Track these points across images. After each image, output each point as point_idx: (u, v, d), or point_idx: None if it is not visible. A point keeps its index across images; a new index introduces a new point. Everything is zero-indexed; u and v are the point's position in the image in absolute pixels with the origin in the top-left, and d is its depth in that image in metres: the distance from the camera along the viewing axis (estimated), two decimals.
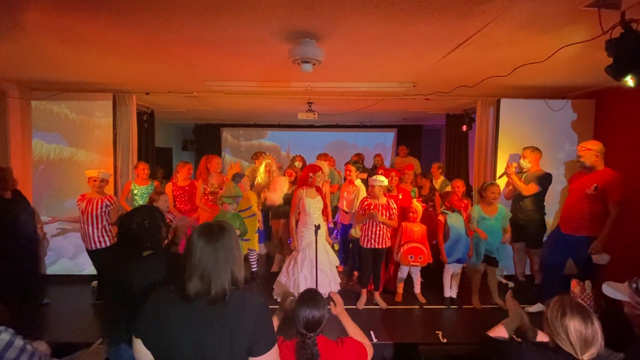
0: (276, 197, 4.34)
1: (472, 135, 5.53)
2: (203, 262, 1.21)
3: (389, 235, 3.74)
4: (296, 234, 3.70)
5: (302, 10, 2.16)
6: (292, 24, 2.38)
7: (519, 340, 1.71)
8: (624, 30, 1.90)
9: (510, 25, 2.39)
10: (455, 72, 3.64)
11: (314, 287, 3.45)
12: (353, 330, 1.79)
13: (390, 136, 9.27)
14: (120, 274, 1.74)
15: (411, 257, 3.74)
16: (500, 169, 4.58)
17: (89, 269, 4.19)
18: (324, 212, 3.74)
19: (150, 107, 5.87)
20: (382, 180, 3.62)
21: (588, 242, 3.25)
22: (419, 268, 3.92)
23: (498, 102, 4.59)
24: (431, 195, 4.75)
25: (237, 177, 4.15)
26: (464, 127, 5.87)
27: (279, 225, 4.58)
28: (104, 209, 3.68)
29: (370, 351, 1.67)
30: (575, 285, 3.00)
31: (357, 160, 5.68)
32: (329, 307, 1.75)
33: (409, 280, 4.08)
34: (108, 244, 3.72)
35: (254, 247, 4.52)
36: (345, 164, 4.61)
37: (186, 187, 4.35)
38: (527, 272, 4.44)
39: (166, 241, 1.92)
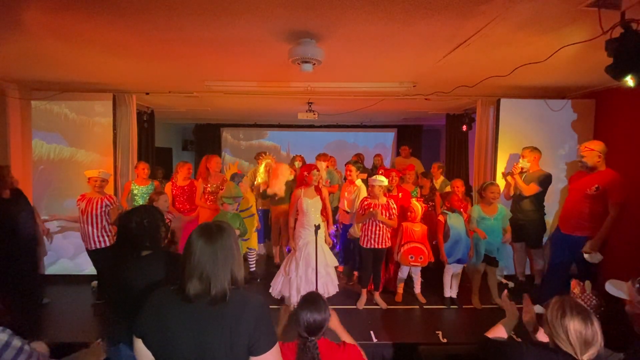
0: (277, 184, 4.32)
1: (472, 135, 5.53)
2: (202, 262, 1.21)
3: (389, 236, 3.74)
4: (294, 234, 3.70)
5: (302, 10, 2.16)
6: (292, 24, 2.38)
7: (519, 340, 1.71)
8: (624, 30, 1.90)
9: (510, 25, 2.39)
10: (455, 72, 3.64)
11: (309, 287, 3.46)
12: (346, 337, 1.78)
13: (390, 136, 9.27)
14: (119, 273, 1.74)
15: (411, 257, 3.74)
16: (500, 169, 4.58)
17: (89, 269, 4.19)
18: (323, 212, 3.72)
19: (150, 107, 5.87)
20: (382, 180, 3.62)
21: (586, 242, 3.25)
22: (420, 268, 3.92)
23: (498, 102, 4.59)
24: (432, 195, 4.75)
25: (236, 177, 4.15)
26: (464, 127, 5.87)
27: (279, 211, 4.57)
28: (103, 209, 3.68)
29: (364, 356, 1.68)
30: (575, 286, 3.00)
31: (357, 160, 5.68)
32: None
33: (409, 280, 4.08)
34: (108, 243, 3.72)
35: (253, 246, 4.52)
36: (345, 164, 4.61)
37: (185, 187, 4.35)
38: (527, 272, 4.44)
39: (165, 241, 1.92)
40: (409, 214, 3.93)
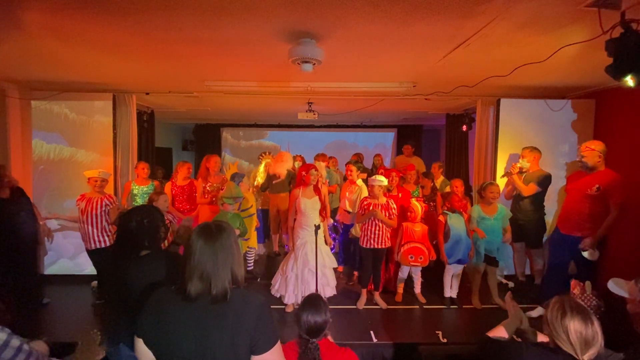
0: (279, 168, 4.32)
1: (472, 135, 5.53)
2: (202, 262, 1.21)
3: (389, 236, 3.74)
4: (292, 233, 3.70)
5: (302, 10, 2.16)
6: (292, 24, 2.38)
7: (519, 340, 1.71)
8: (624, 30, 1.89)
9: (510, 25, 2.39)
10: (455, 72, 3.64)
11: (304, 287, 3.46)
12: None
13: (390, 136, 9.27)
14: (118, 273, 1.74)
15: (411, 257, 3.74)
16: (500, 169, 4.58)
17: (89, 269, 4.20)
18: (322, 212, 3.72)
19: (150, 107, 5.87)
20: (381, 180, 3.62)
21: (599, 253, 3.25)
22: (420, 268, 3.92)
23: (498, 102, 4.59)
24: (433, 196, 4.75)
25: (237, 177, 4.15)
26: (464, 127, 5.87)
27: (277, 200, 4.57)
28: (103, 209, 3.68)
29: None
30: (575, 286, 3.00)
31: (358, 160, 5.68)
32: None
33: (409, 280, 4.08)
34: (108, 243, 3.72)
35: (253, 245, 4.53)
36: (346, 164, 4.61)
37: (185, 187, 4.35)
38: (527, 272, 4.44)
39: (166, 242, 1.92)
40: (409, 214, 3.93)
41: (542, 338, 1.68)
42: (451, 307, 3.85)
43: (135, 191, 4.35)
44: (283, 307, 3.60)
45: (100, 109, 4.61)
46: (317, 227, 3.29)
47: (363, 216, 3.69)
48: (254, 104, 5.81)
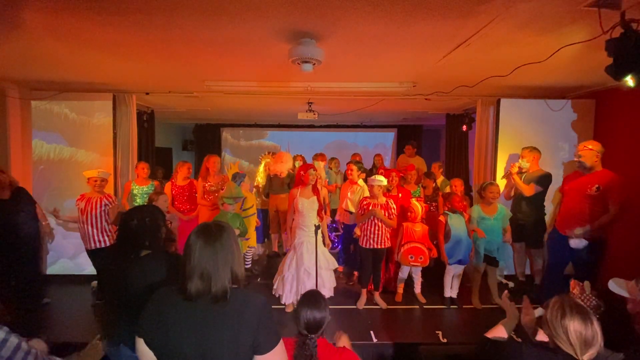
0: (281, 167, 4.33)
1: (472, 135, 5.53)
2: (202, 261, 1.21)
3: (389, 236, 3.74)
4: (290, 233, 3.70)
5: (302, 10, 2.16)
6: (292, 24, 2.38)
7: (519, 340, 1.71)
8: (624, 30, 1.89)
9: (510, 25, 2.39)
10: (455, 72, 3.64)
11: (300, 286, 3.45)
12: None
13: (390, 136, 9.27)
14: (119, 273, 1.74)
15: (411, 257, 3.74)
16: (500, 169, 4.58)
17: (89, 269, 4.19)
18: (320, 213, 3.71)
19: (150, 107, 5.87)
20: (380, 180, 3.62)
21: (587, 243, 3.25)
22: (420, 268, 3.92)
23: (498, 102, 4.59)
24: (434, 196, 4.74)
25: (238, 177, 4.15)
26: (464, 127, 5.87)
27: (277, 200, 4.57)
28: (103, 209, 3.68)
29: None
30: (574, 286, 3.00)
31: (359, 160, 5.68)
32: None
33: (409, 280, 4.08)
34: (107, 243, 3.72)
35: (252, 244, 4.53)
36: (347, 164, 4.60)
37: (185, 187, 4.35)
38: (527, 272, 4.44)
39: (166, 242, 1.92)
40: (409, 213, 3.93)
41: (542, 337, 1.68)
42: (451, 307, 3.85)
43: (135, 191, 4.35)
44: (283, 307, 3.60)
45: (100, 109, 4.60)
46: (317, 227, 3.29)
47: (363, 216, 3.69)
48: (254, 104, 5.81)
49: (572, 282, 3.04)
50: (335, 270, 3.83)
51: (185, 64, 3.44)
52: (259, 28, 2.47)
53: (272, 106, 6.13)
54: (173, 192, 4.32)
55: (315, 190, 3.66)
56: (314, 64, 2.66)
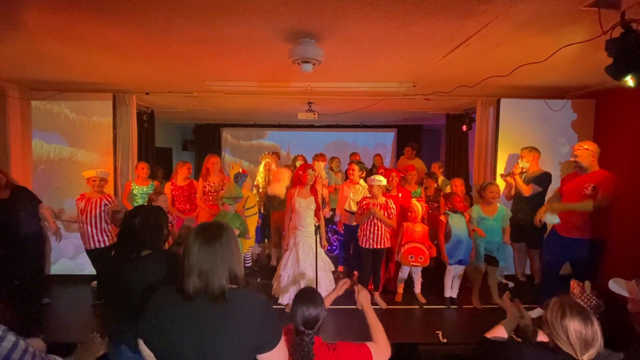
0: (278, 187, 4.32)
1: (472, 135, 5.53)
2: (200, 260, 1.21)
3: (388, 236, 3.74)
4: (287, 233, 3.70)
5: (302, 10, 2.16)
6: (292, 24, 2.38)
7: (519, 340, 1.71)
8: (624, 30, 1.89)
9: (510, 25, 2.39)
10: (455, 72, 3.64)
11: (295, 287, 3.45)
12: (373, 322, 1.70)
13: (390, 136, 9.27)
14: (119, 274, 1.74)
15: (411, 257, 3.74)
16: (500, 169, 4.58)
17: (89, 269, 4.19)
18: (317, 214, 3.69)
19: (150, 107, 5.87)
20: (380, 179, 3.62)
21: (586, 243, 3.25)
22: (420, 268, 3.92)
23: (498, 102, 4.59)
24: (436, 196, 4.74)
25: (240, 177, 4.15)
26: (464, 127, 5.88)
27: (279, 217, 4.55)
28: (103, 208, 3.68)
29: (378, 353, 1.56)
30: (575, 286, 3.01)
31: (360, 160, 5.67)
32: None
33: (409, 280, 4.08)
34: (107, 243, 3.72)
35: (251, 243, 4.53)
36: (349, 164, 4.59)
37: (185, 187, 4.35)
38: (527, 272, 4.44)
39: (167, 244, 1.92)
40: (409, 214, 3.93)
41: (542, 338, 1.68)
42: (451, 307, 3.85)
43: (135, 191, 4.35)
44: (283, 307, 3.60)
45: (100, 109, 4.61)
46: (317, 228, 3.28)
47: (362, 216, 3.69)
48: (254, 104, 5.81)
49: (573, 282, 3.04)
50: (336, 270, 3.83)
51: (185, 64, 3.44)
52: (259, 28, 2.47)
53: (272, 106, 6.12)
54: (173, 192, 4.32)
55: (313, 191, 3.65)
56: (314, 64, 2.66)
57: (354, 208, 4.30)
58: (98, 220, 3.67)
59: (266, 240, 5.45)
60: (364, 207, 3.68)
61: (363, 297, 1.79)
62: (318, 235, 3.36)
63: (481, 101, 4.89)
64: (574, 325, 1.33)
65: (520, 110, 4.56)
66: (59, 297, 4.02)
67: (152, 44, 2.85)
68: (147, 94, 4.89)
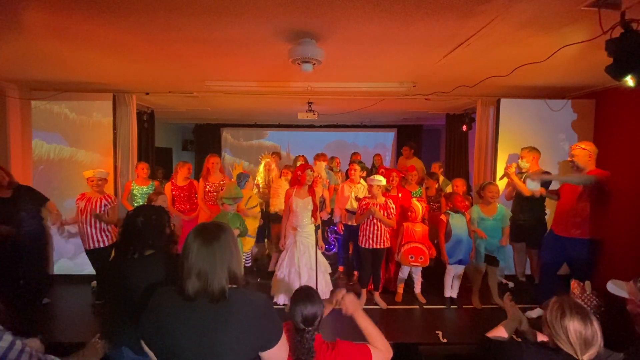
0: (279, 203, 4.33)
1: (472, 135, 5.53)
2: (199, 261, 1.21)
3: (388, 236, 3.74)
4: (285, 233, 3.70)
5: (302, 10, 2.16)
6: (292, 24, 2.38)
7: (519, 340, 1.71)
8: (624, 30, 1.89)
9: (510, 25, 2.39)
10: (455, 72, 3.64)
11: (291, 287, 3.44)
12: (366, 327, 1.71)
13: (390, 136, 9.27)
14: (119, 274, 1.73)
15: (411, 257, 3.74)
16: (500, 169, 4.58)
17: (89, 269, 4.17)
18: (314, 214, 3.68)
19: (150, 107, 5.87)
20: (379, 179, 3.62)
21: (583, 243, 3.25)
22: (420, 268, 3.92)
23: (498, 102, 4.59)
24: (437, 196, 4.73)
25: (242, 177, 4.15)
26: (464, 127, 5.88)
27: (279, 229, 4.55)
28: (103, 208, 3.68)
29: (378, 354, 1.59)
30: (575, 286, 3.00)
31: (361, 160, 5.67)
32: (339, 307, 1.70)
33: (409, 280, 4.07)
34: (107, 243, 3.72)
35: (251, 242, 4.52)
36: (350, 164, 4.59)
37: (185, 187, 4.35)
38: (527, 272, 4.44)
39: (178, 245, 1.91)
40: (409, 213, 3.93)
41: (542, 338, 1.68)
42: (451, 307, 3.85)
43: (135, 191, 4.35)
44: (283, 307, 3.60)
45: (100, 109, 4.61)
46: (317, 228, 3.28)
47: (361, 215, 3.69)
48: (254, 104, 5.81)
49: (573, 282, 3.04)
50: (336, 270, 3.82)
51: (185, 64, 3.44)
52: (259, 28, 2.47)
53: (272, 106, 6.13)
54: (173, 192, 4.32)
55: (311, 191, 3.65)
56: (314, 64, 2.66)
57: (356, 206, 4.31)
58: (98, 220, 3.67)
59: (266, 240, 5.44)
60: (364, 207, 3.68)
61: (349, 302, 1.71)
62: (310, 236, 3.35)
63: (481, 101, 4.89)
64: (573, 325, 1.33)
65: (520, 110, 4.57)
66: (59, 297, 4.02)
67: (152, 44, 2.85)
68: (147, 94, 4.89)
